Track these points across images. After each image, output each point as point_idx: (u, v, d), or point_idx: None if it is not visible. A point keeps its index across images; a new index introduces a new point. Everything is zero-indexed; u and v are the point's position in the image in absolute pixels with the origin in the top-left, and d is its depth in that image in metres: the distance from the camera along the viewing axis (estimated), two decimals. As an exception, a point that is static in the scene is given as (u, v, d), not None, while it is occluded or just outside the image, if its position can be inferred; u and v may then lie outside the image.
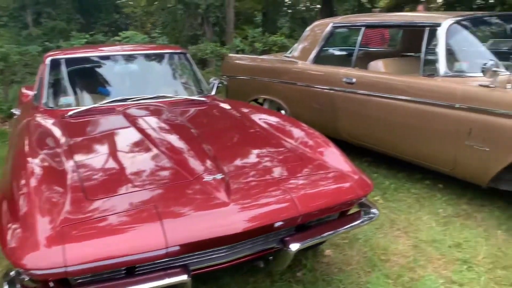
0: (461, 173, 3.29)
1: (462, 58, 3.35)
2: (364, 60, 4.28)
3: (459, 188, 3.59)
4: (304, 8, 21.58)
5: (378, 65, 4.02)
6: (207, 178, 2.01)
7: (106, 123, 2.92)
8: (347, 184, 2.16)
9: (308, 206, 1.99)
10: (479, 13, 3.78)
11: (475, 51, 3.44)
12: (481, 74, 2.95)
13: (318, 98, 4.39)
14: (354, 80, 3.96)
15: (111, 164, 2.27)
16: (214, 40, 12.86)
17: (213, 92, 3.65)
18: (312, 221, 2.16)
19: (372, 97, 3.78)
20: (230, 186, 2.00)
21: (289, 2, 22.60)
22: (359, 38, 4.13)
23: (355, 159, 4.38)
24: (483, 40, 3.54)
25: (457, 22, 3.45)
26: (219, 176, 2.02)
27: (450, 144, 3.20)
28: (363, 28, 4.14)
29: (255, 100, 5.56)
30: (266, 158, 2.41)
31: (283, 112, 5.05)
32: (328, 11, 19.09)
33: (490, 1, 19.73)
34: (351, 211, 2.35)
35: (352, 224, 2.24)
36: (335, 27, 4.44)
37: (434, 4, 25.54)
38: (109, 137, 2.67)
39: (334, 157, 2.39)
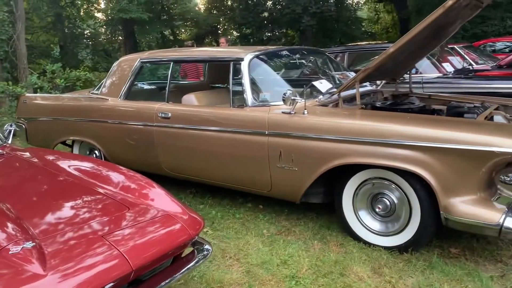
0: (277, 193, 3.56)
1: (265, 89, 3.66)
2: (177, 94, 4.32)
3: (277, 205, 3.88)
4: (105, 40, 20.87)
5: (190, 98, 4.10)
6: (14, 249, 1.69)
7: None
8: (177, 226, 2.10)
9: (140, 259, 1.85)
10: (272, 48, 4.20)
11: (275, 81, 3.82)
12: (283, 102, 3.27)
13: (134, 135, 4.24)
14: (169, 114, 3.95)
15: None
16: (6, 78, 11.39)
17: (9, 141, 3.17)
18: (145, 273, 2.02)
19: (189, 130, 3.82)
20: (45, 253, 1.72)
21: (89, 34, 21.65)
22: (169, 72, 4.16)
23: (180, 191, 4.39)
24: (278, 71, 3.95)
25: (257, 56, 3.77)
26: (29, 244, 1.73)
27: (264, 168, 3.44)
28: (171, 63, 4.18)
29: (64, 143, 5.07)
30: (83, 210, 2.18)
31: (96, 153, 4.73)
32: (131, 44, 19.00)
33: (276, 33, 22.48)
34: (184, 253, 2.29)
35: (188, 267, 2.18)
36: (143, 62, 4.38)
37: (230, 36, 27.84)
38: None
39: (159, 198, 2.31)
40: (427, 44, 3.70)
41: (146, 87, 5.03)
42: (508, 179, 2.64)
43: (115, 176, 2.49)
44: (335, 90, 3.59)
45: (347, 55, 6.34)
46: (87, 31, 21.29)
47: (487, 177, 2.68)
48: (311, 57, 4.56)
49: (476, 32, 19.03)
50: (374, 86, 4.39)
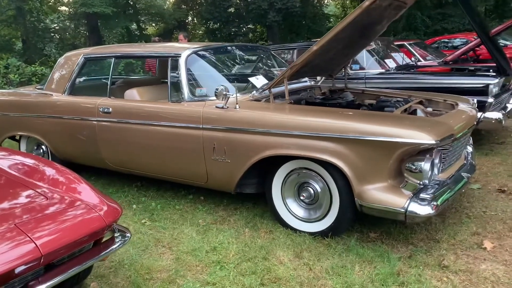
0: (213, 184, 3.73)
1: (203, 84, 3.80)
2: (124, 89, 4.42)
3: (218, 197, 4.05)
4: (69, 34, 20.51)
5: (133, 93, 4.20)
6: None
7: None
8: (93, 215, 2.22)
9: (50, 245, 1.97)
10: (213, 44, 4.35)
11: (213, 77, 3.96)
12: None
13: (77, 130, 4.31)
14: (110, 109, 4.04)
15: None
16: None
17: None
18: (64, 257, 2.14)
19: (129, 125, 3.93)
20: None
21: (57, 28, 21.23)
22: (111, 68, 4.25)
23: (125, 185, 4.50)
24: (218, 67, 4.10)
25: (195, 52, 3.91)
26: None
27: (200, 160, 3.59)
28: (113, 59, 4.27)
29: (13, 138, 5.09)
30: (2, 201, 2.28)
31: (43, 148, 4.78)
32: (95, 39, 18.76)
33: (243, 28, 22.60)
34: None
35: (105, 252, 2.31)
36: (86, 58, 4.45)
37: (199, 30, 27.78)
38: None
39: (83, 191, 2.42)
40: (356, 42, 3.92)
41: (92, 83, 5.09)
42: (414, 167, 2.87)
43: (42, 170, 2.59)
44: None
45: (296, 52, 6.55)
46: (54, 25, 20.88)
47: (395, 166, 2.91)
48: (253, 54, 4.72)
49: (437, 28, 19.71)
50: (312, 82, 4.60)
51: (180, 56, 3.79)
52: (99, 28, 17.93)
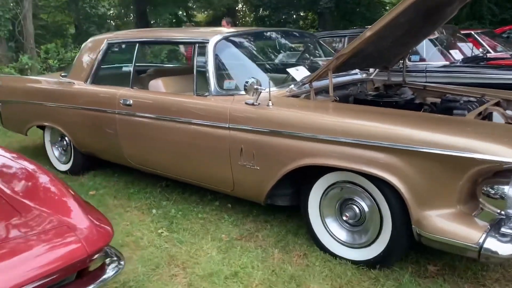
0: (240, 193, 3.20)
1: (233, 76, 3.26)
2: (154, 78, 3.99)
3: (248, 205, 3.52)
4: (118, 20, 20.64)
5: (158, 84, 3.74)
6: None
7: None
8: (73, 242, 1.76)
9: (12, 283, 1.53)
10: (250, 29, 3.80)
11: (245, 67, 3.41)
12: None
13: (98, 123, 3.92)
14: (130, 101, 3.60)
15: None
16: (11, 58, 11.29)
17: None
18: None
19: (150, 120, 3.48)
20: None
21: (110, 15, 21.41)
22: (134, 54, 3.80)
23: (149, 185, 4.07)
24: (253, 55, 3.54)
25: (226, 38, 3.38)
26: None
27: (226, 165, 3.07)
28: (137, 45, 3.82)
29: (41, 127, 4.79)
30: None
31: (66, 140, 4.45)
32: (143, 23, 18.67)
33: (294, 15, 21.83)
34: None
35: (92, 286, 1.85)
36: (110, 44, 4.03)
37: (249, 18, 27.26)
38: None
39: (69, 209, 1.97)
40: (418, 29, 3.23)
41: (119, 71, 4.69)
42: (493, 191, 2.20)
43: (22, 175, 2.16)
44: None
45: (347, 39, 5.84)
46: (105, 11, 21.06)
47: (468, 188, 2.25)
48: (297, 41, 4.12)
49: (505, 17, 17.96)
50: (364, 75, 3.95)
51: (208, 42, 3.27)
52: (147, 14, 17.81)
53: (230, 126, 2.99)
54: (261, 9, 21.96)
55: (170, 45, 5.20)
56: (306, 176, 2.82)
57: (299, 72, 3.33)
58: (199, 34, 3.47)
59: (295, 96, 3.10)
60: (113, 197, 3.94)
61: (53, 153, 4.70)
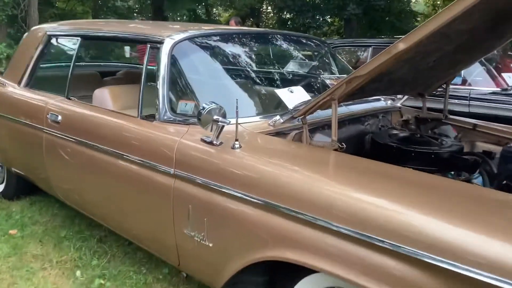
0: (189, 271, 2.16)
1: (192, 95, 2.21)
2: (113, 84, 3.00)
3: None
4: (135, 14, 19.92)
5: (103, 95, 2.72)
6: None
7: None
8: None
9: None
10: (229, 29, 2.76)
11: (215, 83, 2.36)
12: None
13: (25, 141, 2.94)
14: (59, 117, 2.60)
15: None
16: (8, 44, 10.52)
17: None
18: None
19: (78, 146, 2.46)
20: None
21: (122, 6, 20.69)
22: (75, 53, 2.79)
23: (90, 227, 3.05)
24: (234, 67, 2.46)
25: (191, 39, 2.33)
26: None
27: (168, 228, 2.02)
28: (79, 40, 2.81)
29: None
30: None
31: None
32: (160, 19, 17.80)
33: (320, 19, 20.72)
34: None
35: None
36: (51, 36, 3.03)
37: (273, 20, 26.26)
38: None
39: None
40: (480, 42, 2.12)
41: (59, 72, 3.68)
42: None
43: None
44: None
45: (372, 51, 4.72)
46: (121, 3, 20.35)
47: None
48: (299, 49, 3.04)
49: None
50: (389, 102, 2.86)
51: (162, 43, 2.23)
52: (163, 10, 16.93)
53: (176, 173, 1.94)
54: (285, 11, 20.91)
55: (117, 42, 4.07)
56: (285, 266, 1.74)
57: (293, 96, 2.26)
58: (152, 31, 2.42)
59: (281, 134, 2.03)
60: (37, 241, 2.93)
61: (-14, 168, 3.73)
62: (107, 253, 2.77)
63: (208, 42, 2.40)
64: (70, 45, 2.94)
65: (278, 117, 2.05)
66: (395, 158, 2.07)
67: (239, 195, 1.69)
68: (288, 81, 2.62)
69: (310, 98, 2.27)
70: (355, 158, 1.78)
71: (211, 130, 1.82)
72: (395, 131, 2.43)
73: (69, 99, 2.73)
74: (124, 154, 2.18)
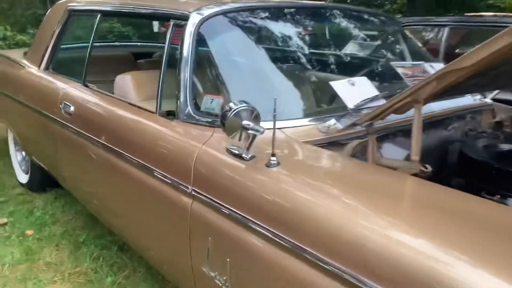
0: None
1: (223, 87, 1.71)
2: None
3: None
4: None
5: (125, 82, 2.29)
6: None
7: None
8: None
9: None
10: (278, 2, 2.20)
11: (252, 72, 1.84)
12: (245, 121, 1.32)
13: (41, 130, 2.60)
14: (72, 108, 2.20)
15: None
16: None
17: None
18: None
19: (90, 143, 2.06)
20: None
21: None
22: (93, 31, 2.37)
23: (106, 234, 2.68)
24: (275, 51, 1.92)
25: (223, 14, 1.83)
26: None
27: (185, 261, 1.57)
28: (99, 16, 2.38)
29: None
30: None
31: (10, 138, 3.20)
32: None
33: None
34: None
35: None
36: (72, 12, 2.64)
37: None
38: None
39: None
40: None
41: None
42: None
43: None
44: (380, 103, 1.55)
45: (448, 31, 3.97)
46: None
47: None
48: (363, 28, 2.44)
49: None
50: (479, 97, 2.22)
51: (187, 20, 1.75)
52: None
53: (194, 192, 1.47)
54: (344, -12, 19.79)
55: (140, 18, 3.61)
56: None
57: (355, 90, 1.70)
58: (177, 5, 1.93)
59: (337, 143, 1.49)
60: (54, 245, 2.61)
61: (16, 156, 3.48)
62: (127, 265, 2.39)
63: (247, 18, 1.88)
64: (91, 22, 2.52)
65: (333, 121, 1.51)
66: (497, 183, 1.48)
67: (270, 234, 1.20)
68: (347, 69, 2.05)
69: (377, 93, 1.71)
70: (444, 190, 1.21)
71: (239, 139, 1.33)
72: (491, 141, 1.82)
73: (86, 86, 2.32)
74: (135, 159, 1.74)
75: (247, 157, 1.34)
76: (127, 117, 1.91)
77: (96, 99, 2.17)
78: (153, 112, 1.81)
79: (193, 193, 1.47)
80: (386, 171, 1.31)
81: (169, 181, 1.57)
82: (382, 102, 1.68)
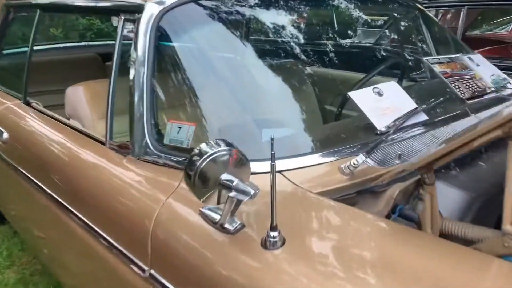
0: None
1: (196, 107, 1.19)
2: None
3: None
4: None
5: (76, 95, 1.76)
6: None
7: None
8: None
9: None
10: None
11: (233, 85, 1.31)
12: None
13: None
14: (5, 135, 1.68)
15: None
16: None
17: None
18: None
19: (24, 180, 1.54)
20: None
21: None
22: (32, 31, 1.84)
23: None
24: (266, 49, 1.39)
25: (194, 1, 1.30)
26: None
27: None
28: (38, 12, 1.84)
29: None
30: None
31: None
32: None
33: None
34: None
35: None
36: (10, 9, 2.10)
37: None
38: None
39: None
40: None
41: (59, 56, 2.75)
42: None
43: None
44: (420, 120, 1.04)
45: (466, 12, 3.46)
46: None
47: None
48: (373, 11, 1.91)
49: None
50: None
51: (141, 12, 1.22)
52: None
53: (152, 275, 0.96)
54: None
55: (84, 14, 3.07)
56: None
57: (384, 103, 1.19)
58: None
59: (366, 192, 0.97)
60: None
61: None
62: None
63: (224, 7, 1.34)
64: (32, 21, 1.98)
65: (361, 157, 0.99)
66: None
67: None
68: (366, 66, 1.53)
69: (415, 105, 1.20)
70: None
71: (218, 203, 0.82)
72: None
73: (28, 103, 1.80)
74: (78, 213, 1.23)
75: (232, 229, 0.83)
76: (70, 149, 1.39)
77: (35, 123, 1.64)
78: (102, 143, 1.29)
79: (151, 274, 0.96)
80: (462, 251, 0.78)
81: (118, 254, 1.06)
82: (423, 118, 1.18)
